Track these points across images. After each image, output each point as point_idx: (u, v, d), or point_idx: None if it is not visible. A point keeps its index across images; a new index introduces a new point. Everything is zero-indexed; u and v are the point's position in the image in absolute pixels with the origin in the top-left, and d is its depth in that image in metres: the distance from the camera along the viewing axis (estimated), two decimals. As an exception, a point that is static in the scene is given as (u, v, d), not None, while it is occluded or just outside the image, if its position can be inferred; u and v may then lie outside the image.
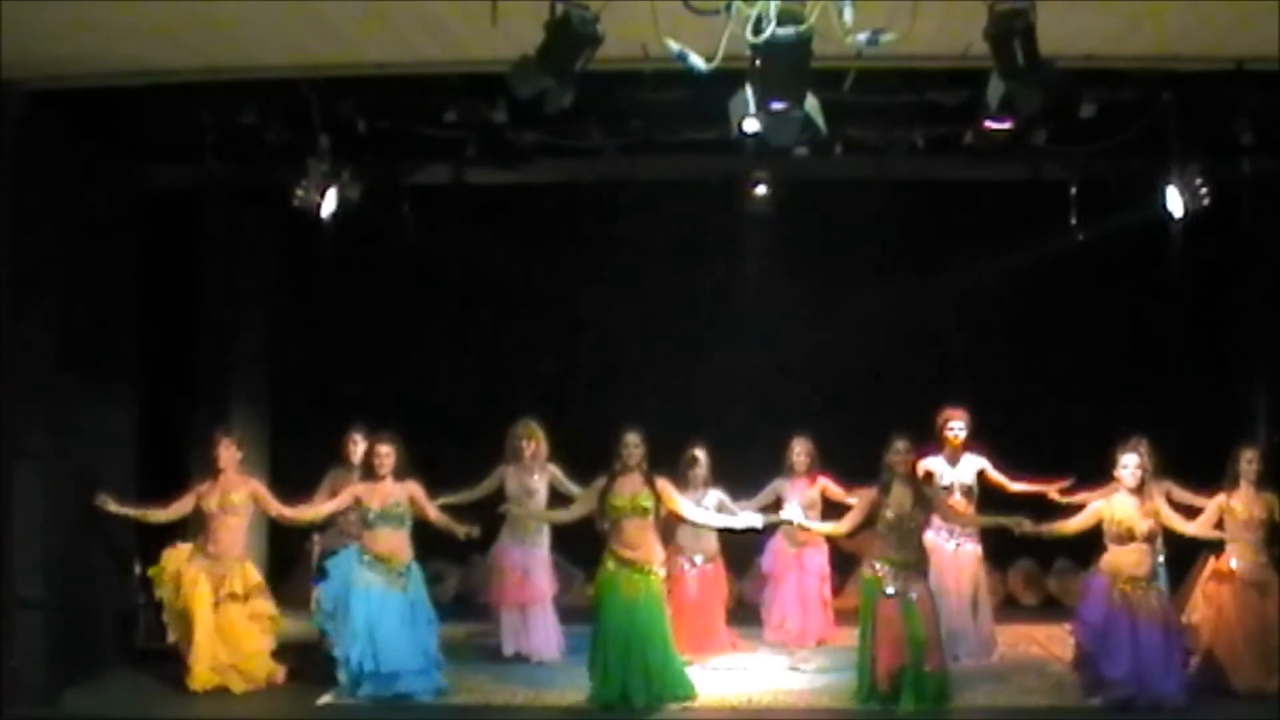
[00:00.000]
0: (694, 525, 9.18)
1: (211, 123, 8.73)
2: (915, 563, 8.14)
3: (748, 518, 8.82)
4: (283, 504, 8.85)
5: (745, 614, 10.48)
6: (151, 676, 8.66)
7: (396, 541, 8.37)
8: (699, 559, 9.63)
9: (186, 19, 6.62)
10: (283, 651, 8.90)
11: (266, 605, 8.75)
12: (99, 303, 8.72)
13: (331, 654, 8.38)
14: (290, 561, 10.05)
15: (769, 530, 9.80)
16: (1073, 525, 8.13)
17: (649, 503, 8.20)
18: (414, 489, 8.45)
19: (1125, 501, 7.97)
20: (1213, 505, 8.31)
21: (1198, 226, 9.33)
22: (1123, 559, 7.96)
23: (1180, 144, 8.85)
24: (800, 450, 9.82)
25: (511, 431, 9.37)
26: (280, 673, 8.71)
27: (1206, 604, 8.35)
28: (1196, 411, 10.46)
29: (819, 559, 9.94)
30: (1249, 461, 8.26)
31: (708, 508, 9.24)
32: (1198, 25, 6.68)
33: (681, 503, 8.56)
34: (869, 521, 8.19)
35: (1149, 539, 7.98)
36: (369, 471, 8.44)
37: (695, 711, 8.16)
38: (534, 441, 9.33)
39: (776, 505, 9.87)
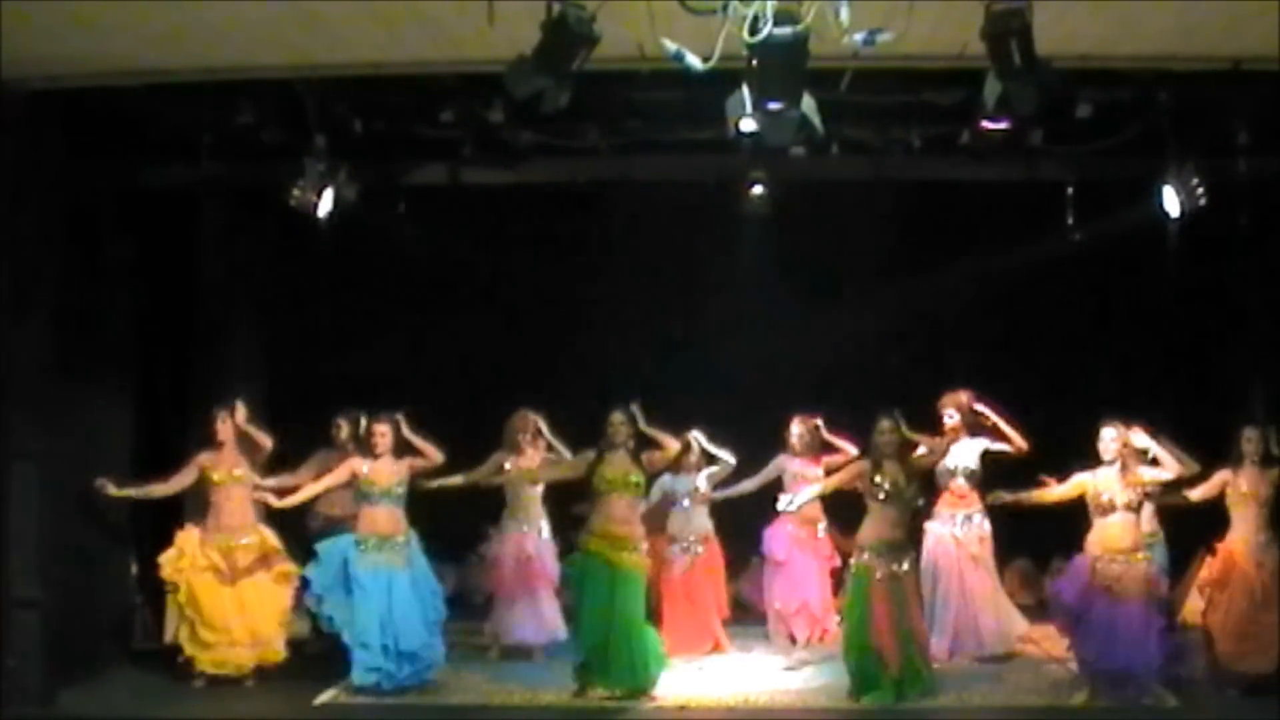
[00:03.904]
0: (682, 509, 9.49)
1: (208, 123, 8.74)
2: (904, 543, 8.24)
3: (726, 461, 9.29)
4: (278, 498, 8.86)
5: (744, 614, 10.49)
6: (149, 676, 8.66)
7: (395, 518, 8.47)
8: (692, 543, 9.64)
9: (184, 19, 6.62)
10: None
11: (286, 564, 8.76)
12: (96, 303, 8.72)
13: (333, 645, 8.39)
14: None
15: (771, 516, 9.85)
16: (1054, 493, 8.27)
17: (639, 479, 8.36)
18: (411, 463, 8.53)
19: (1107, 473, 8.10)
20: (1216, 478, 8.42)
21: (1195, 226, 9.33)
22: (1106, 532, 8.08)
23: (1177, 144, 8.85)
24: (800, 429, 9.83)
25: (509, 423, 9.40)
26: (281, 649, 8.72)
27: (1207, 589, 8.40)
28: (1191, 409, 10.44)
29: (828, 542, 9.91)
30: (1249, 440, 8.39)
31: (697, 487, 9.53)
32: (1194, 25, 6.68)
33: (666, 441, 8.63)
34: (859, 490, 8.32)
35: (1131, 509, 8.09)
36: (367, 450, 8.50)
37: (693, 711, 8.18)
38: (530, 433, 9.36)
39: (778, 483, 9.92)
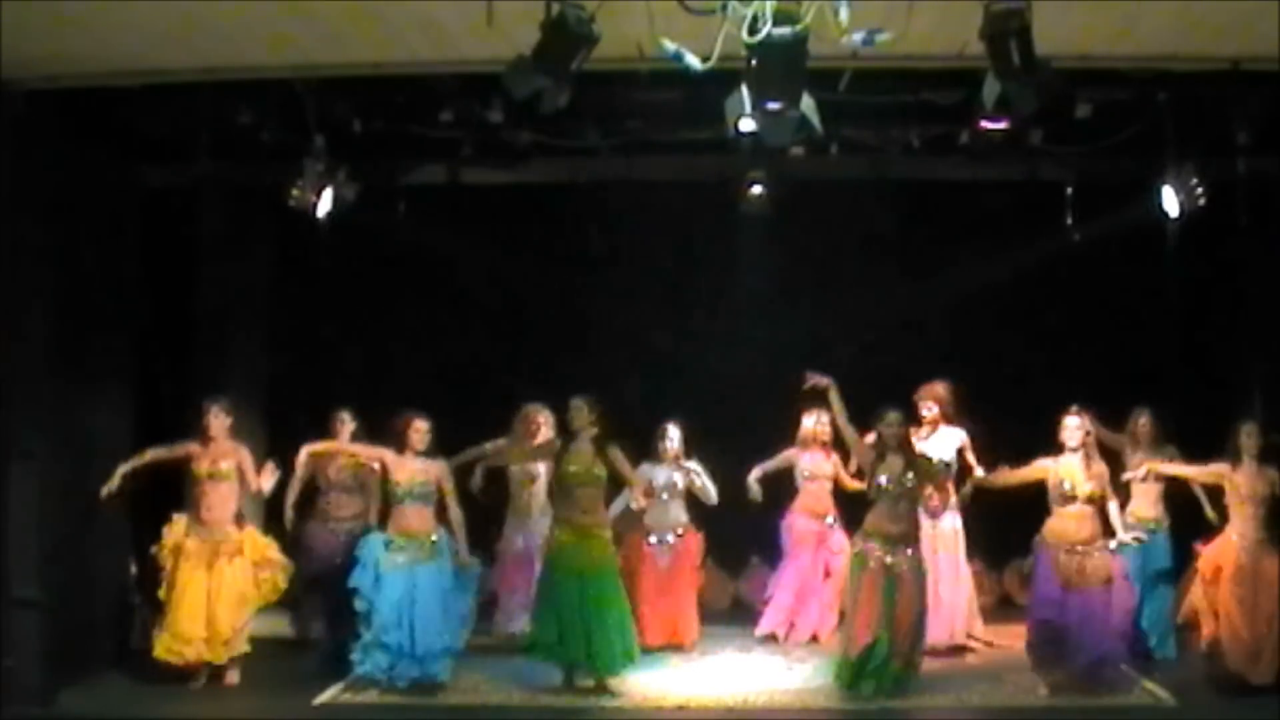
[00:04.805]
0: (660, 501, 9.53)
1: (207, 122, 8.73)
2: (905, 535, 8.24)
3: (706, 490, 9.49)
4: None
5: (744, 614, 10.49)
6: (148, 676, 8.64)
7: (424, 517, 8.41)
8: (668, 535, 9.64)
9: (182, 19, 6.62)
10: (276, 649, 8.91)
11: (277, 556, 8.69)
12: (95, 302, 8.71)
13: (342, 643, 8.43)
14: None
15: (784, 508, 9.89)
16: (1015, 475, 8.36)
17: (602, 471, 8.44)
18: (442, 471, 8.48)
19: (1070, 461, 8.20)
20: (1214, 465, 8.48)
21: (1194, 226, 9.34)
22: (1065, 524, 8.18)
23: (1176, 144, 8.85)
24: (816, 422, 9.82)
25: (519, 414, 9.39)
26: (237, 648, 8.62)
27: (1204, 588, 8.41)
28: (1190, 408, 10.45)
29: (840, 537, 9.81)
30: (1248, 435, 8.39)
31: (676, 482, 9.56)
32: (1194, 25, 6.68)
33: (624, 472, 8.65)
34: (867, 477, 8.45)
35: (1091, 501, 8.18)
36: (401, 446, 8.44)
37: (693, 711, 8.18)
38: (537, 426, 9.36)
39: (789, 474, 9.92)
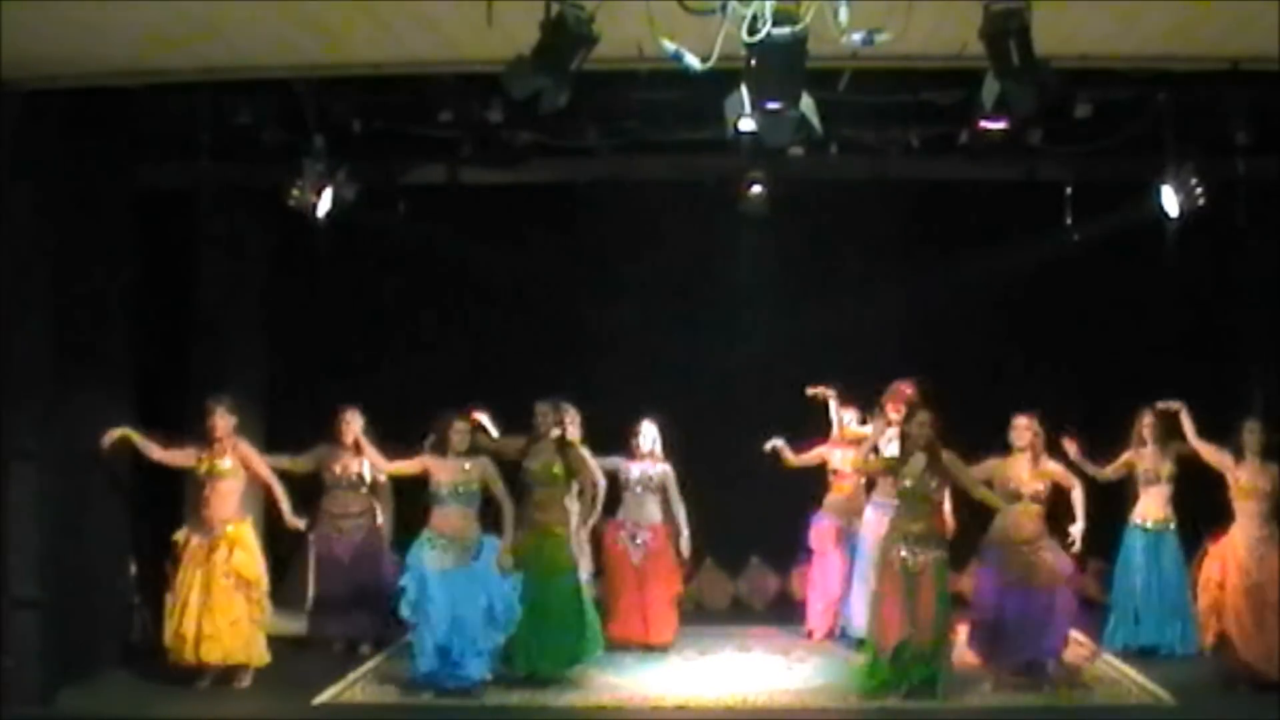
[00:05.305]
0: (634, 496, 9.57)
1: (207, 123, 8.73)
2: (928, 533, 8.20)
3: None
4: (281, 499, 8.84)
5: (742, 614, 10.48)
6: (147, 675, 8.65)
7: (466, 520, 8.37)
8: (641, 532, 9.62)
9: (182, 19, 6.62)
10: (278, 649, 8.91)
11: (252, 569, 8.57)
12: (94, 302, 8.70)
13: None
14: (287, 561, 10.05)
15: (814, 507, 9.95)
16: (968, 473, 8.38)
17: (559, 470, 8.63)
18: (487, 469, 8.43)
19: (1017, 460, 8.32)
20: (1223, 455, 8.52)
21: (1194, 226, 9.34)
22: (1010, 520, 8.27)
23: (1175, 144, 8.86)
24: (848, 417, 9.82)
25: (539, 410, 9.40)
26: (261, 654, 8.60)
27: (1209, 585, 8.44)
28: (1192, 406, 10.46)
29: (862, 542, 9.75)
30: (1251, 432, 8.44)
31: (651, 476, 9.56)
32: (1193, 25, 6.68)
33: (588, 469, 8.93)
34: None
35: (1037, 500, 8.28)
36: (442, 448, 8.40)
37: (692, 711, 8.18)
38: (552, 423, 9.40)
39: (822, 469, 9.91)
